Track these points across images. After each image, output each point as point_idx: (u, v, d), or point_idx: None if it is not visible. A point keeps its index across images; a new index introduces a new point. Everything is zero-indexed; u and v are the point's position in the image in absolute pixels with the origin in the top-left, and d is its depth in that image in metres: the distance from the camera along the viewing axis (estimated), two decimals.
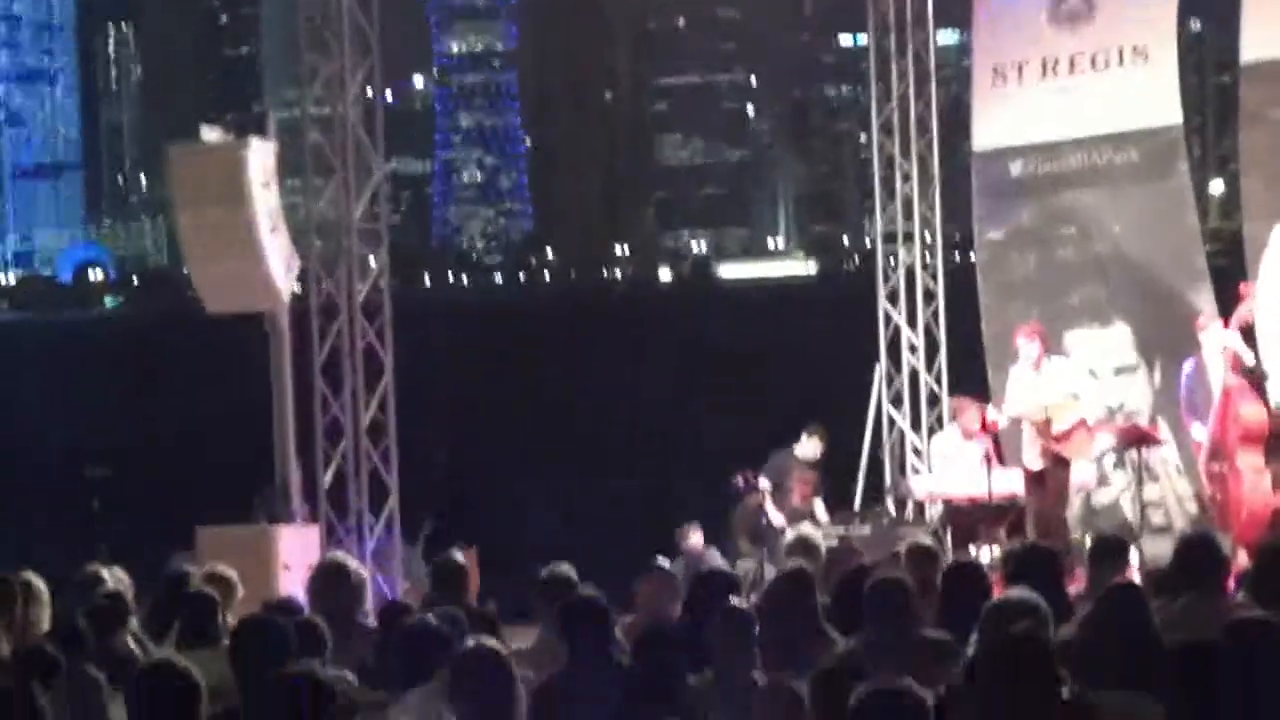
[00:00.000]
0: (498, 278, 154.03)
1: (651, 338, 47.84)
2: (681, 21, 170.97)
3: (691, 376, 35.08)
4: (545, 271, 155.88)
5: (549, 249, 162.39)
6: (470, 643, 4.24)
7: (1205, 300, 11.15)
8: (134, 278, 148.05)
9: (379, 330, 10.47)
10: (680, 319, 64.65)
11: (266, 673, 3.79)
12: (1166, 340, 11.52)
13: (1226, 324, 10.46)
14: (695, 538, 11.47)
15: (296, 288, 10.69)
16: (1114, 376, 11.59)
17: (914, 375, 12.75)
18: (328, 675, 4.14)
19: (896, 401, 12.78)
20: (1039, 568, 5.72)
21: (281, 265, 10.37)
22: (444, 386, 29.00)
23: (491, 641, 4.20)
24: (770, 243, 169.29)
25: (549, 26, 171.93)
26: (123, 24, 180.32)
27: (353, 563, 7.32)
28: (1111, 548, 6.95)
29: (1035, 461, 10.90)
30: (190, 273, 11.43)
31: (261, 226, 10.21)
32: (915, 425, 12.75)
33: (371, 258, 10.81)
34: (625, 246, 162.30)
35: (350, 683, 5.23)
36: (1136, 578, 6.81)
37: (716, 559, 10.43)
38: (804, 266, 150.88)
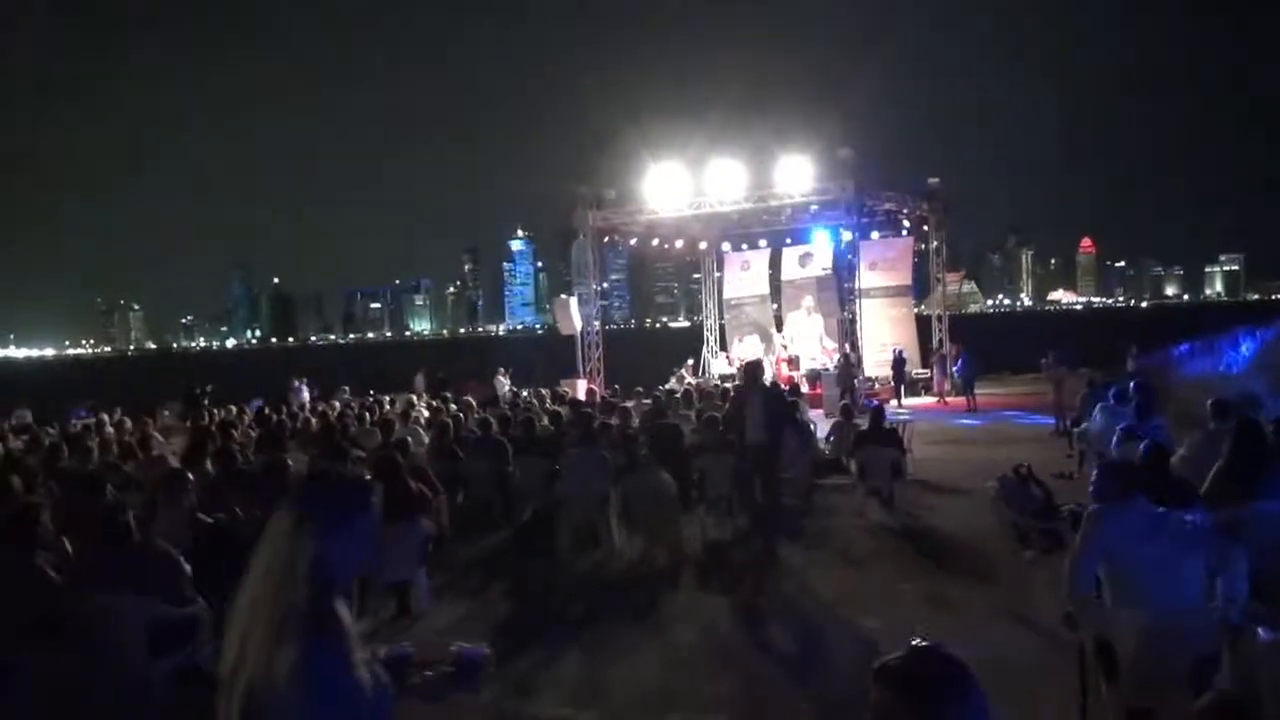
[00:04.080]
0: None
1: None
2: None
3: None
4: None
5: None
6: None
7: (775, 331, 35.93)
8: (547, 326, 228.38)
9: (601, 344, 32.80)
10: None
11: None
12: (767, 341, 34.51)
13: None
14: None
15: (581, 326, 32.39)
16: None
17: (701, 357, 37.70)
18: None
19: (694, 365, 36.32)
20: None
21: (577, 324, 32.28)
22: None
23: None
24: None
25: None
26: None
27: None
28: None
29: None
30: (556, 323, 33.22)
31: (574, 313, 32.32)
32: (697, 372, 35.61)
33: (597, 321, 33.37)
34: None
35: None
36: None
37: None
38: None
